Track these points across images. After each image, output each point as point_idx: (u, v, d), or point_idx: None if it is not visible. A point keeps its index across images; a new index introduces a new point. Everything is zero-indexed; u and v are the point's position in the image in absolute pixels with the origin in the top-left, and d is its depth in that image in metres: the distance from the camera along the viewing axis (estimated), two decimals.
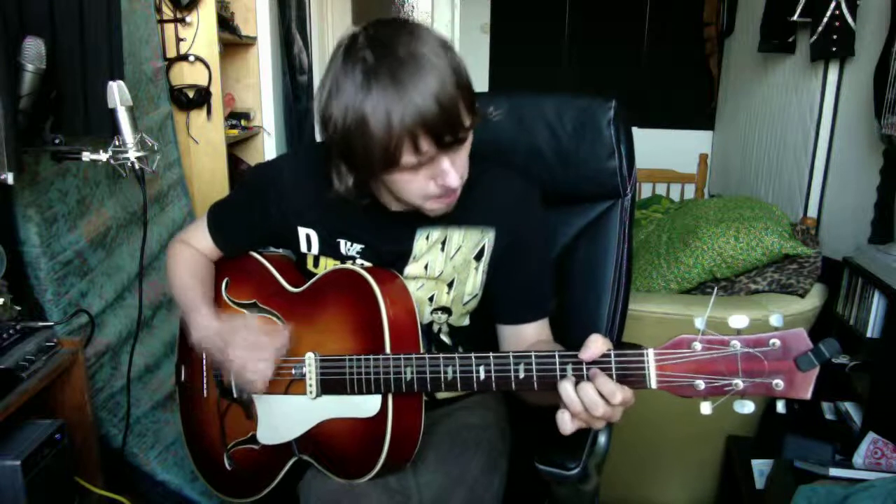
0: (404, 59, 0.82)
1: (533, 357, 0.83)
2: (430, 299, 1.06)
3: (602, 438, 1.12)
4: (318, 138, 0.96)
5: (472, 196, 1.01)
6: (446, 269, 1.05)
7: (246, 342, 0.98)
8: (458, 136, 0.87)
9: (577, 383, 0.80)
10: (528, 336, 1.05)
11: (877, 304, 1.51)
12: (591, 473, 1.04)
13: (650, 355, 0.76)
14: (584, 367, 0.80)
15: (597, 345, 0.79)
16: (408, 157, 0.86)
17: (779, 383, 0.72)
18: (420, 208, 0.96)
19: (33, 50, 1.18)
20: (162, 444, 1.63)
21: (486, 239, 1.04)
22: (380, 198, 1.01)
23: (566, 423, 0.80)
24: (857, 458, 1.44)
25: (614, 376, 0.78)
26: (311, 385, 0.99)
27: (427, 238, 1.04)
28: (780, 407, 0.73)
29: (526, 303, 1.06)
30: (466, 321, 1.10)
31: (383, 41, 0.84)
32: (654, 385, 0.76)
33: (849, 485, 1.31)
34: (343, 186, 0.94)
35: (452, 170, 0.89)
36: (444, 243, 1.04)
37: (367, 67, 0.82)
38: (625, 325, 1.24)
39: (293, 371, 1.00)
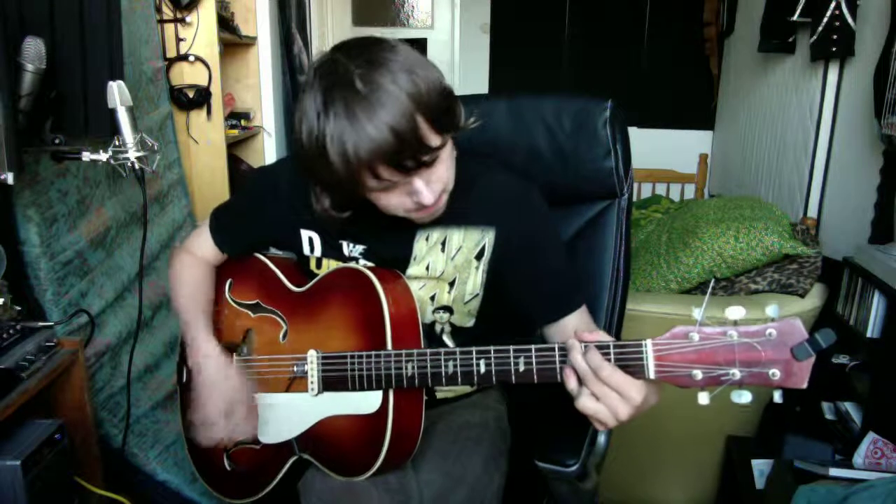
0: (359, 91, 0.81)
1: (533, 350, 0.84)
2: (432, 299, 1.06)
3: (602, 438, 1.12)
4: None
5: (471, 196, 1.01)
6: (447, 268, 1.05)
7: (215, 409, 1.03)
8: (422, 161, 0.86)
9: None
10: (571, 329, 1.01)
11: (877, 304, 1.51)
12: (590, 472, 1.04)
13: (648, 345, 0.77)
14: (584, 347, 0.81)
15: (601, 332, 0.81)
16: (371, 183, 0.86)
17: (775, 373, 0.72)
18: (406, 217, 0.96)
19: (33, 50, 1.18)
20: (162, 444, 1.63)
21: (487, 238, 1.04)
22: None
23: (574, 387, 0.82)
24: (857, 458, 1.44)
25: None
26: (312, 382, 0.99)
27: (427, 239, 1.04)
28: (777, 397, 0.74)
29: (554, 298, 1.04)
30: (471, 322, 1.10)
31: (341, 71, 0.83)
32: (652, 375, 0.77)
33: (849, 485, 1.31)
34: (320, 207, 0.96)
35: (424, 189, 0.89)
36: (444, 244, 1.04)
37: (325, 97, 0.83)
38: (623, 324, 1.25)
39: (294, 369, 1.01)
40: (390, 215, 0.98)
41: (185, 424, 1.18)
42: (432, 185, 0.90)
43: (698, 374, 0.75)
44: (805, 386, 0.72)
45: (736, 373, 0.73)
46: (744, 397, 0.74)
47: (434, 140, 0.86)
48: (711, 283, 0.82)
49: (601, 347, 0.79)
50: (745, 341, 0.73)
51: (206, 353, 1.06)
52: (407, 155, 0.83)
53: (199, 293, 1.13)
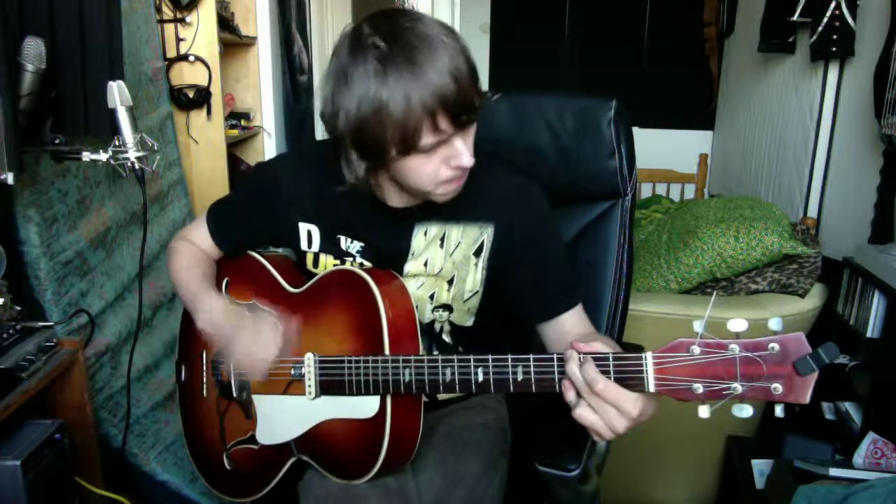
0: (415, 43, 0.83)
1: (531, 360, 0.83)
2: (431, 297, 1.06)
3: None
4: (319, 136, 0.96)
5: (471, 192, 1.01)
6: (446, 265, 1.05)
7: (251, 330, 0.99)
8: (471, 116, 0.88)
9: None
10: (568, 327, 1.02)
11: (877, 304, 1.51)
12: (591, 474, 1.04)
13: (648, 358, 0.76)
14: (580, 359, 0.80)
15: (599, 344, 0.79)
16: (427, 139, 0.86)
17: (777, 387, 0.71)
18: (429, 194, 0.95)
19: (33, 50, 1.17)
20: (162, 444, 1.63)
21: (485, 234, 1.04)
22: (380, 193, 1.01)
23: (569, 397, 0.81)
24: (857, 458, 1.44)
25: (612, 378, 0.78)
26: (309, 386, 0.99)
27: (425, 234, 1.04)
28: (779, 411, 0.73)
29: (553, 297, 1.04)
30: (470, 321, 1.09)
31: (391, 29, 0.85)
32: (652, 388, 0.76)
33: (849, 485, 1.31)
34: (354, 176, 0.94)
35: (465, 150, 0.90)
36: (442, 239, 1.04)
37: (380, 55, 0.83)
38: (625, 324, 1.25)
39: (292, 371, 1.00)
40: (392, 209, 0.99)
41: (184, 419, 1.19)
42: (469, 148, 0.91)
43: (699, 388, 0.74)
44: (807, 401, 0.71)
45: (737, 387, 0.72)
46: (745, 411, 0.73)
47: (477, 99, 0.88)
48: (713, 298, 0.81)
49: (600, 359, 0.78)
50: (747, 355, 0.72)
51: (217, 306, 1.05)
52: (463, 106, 0.85)
53: (198, 271, 1.13)
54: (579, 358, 0.80)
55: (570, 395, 0.81)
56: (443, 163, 0.91)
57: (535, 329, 1.06)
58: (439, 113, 0.84)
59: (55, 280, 1.41)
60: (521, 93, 1.28)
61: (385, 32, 0.85)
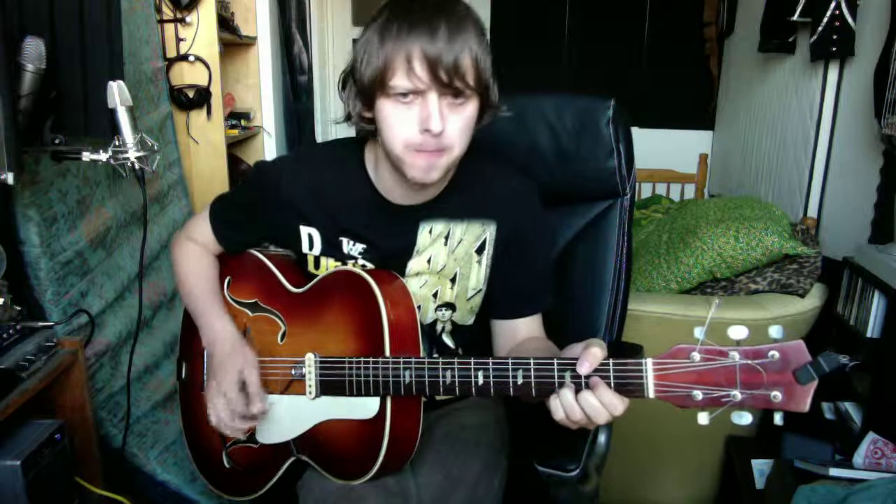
0: (429, 3, 0.86)
1: (532, 364, 0.83)
2: (434, 296, 1.06)
3: (602, 439, 1.12)
4: (319, 137, 0.97)
5: (473, 190, 1.02)
6: (449, 262, 1.05)
7: (225, 393, 1.03)
8: (454, 84, 0.86)
9: (577, 391, 0.79)
10: (520, 331, 1.06)
11: (877, 304, 1.51)
12: (590, 474, 1.04)
13: (648, 365, 0.76)
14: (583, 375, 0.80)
15: (594, 357, 0.78)
16: (400, 80, 0.86)
17: (777, 395, 0.71)
18: (403, 165, 0.93)
19: (33, 50, 1.18)
20: (162, 444, 1.63)
21: (488, 232, 1.05)
22: (382, 187, 1.01)
23: (559, 414, 0.81)
24: (857, 458, 1.44)
25: (612, 385, 0.78)
26: (310, 386, 0.99)
27: (430, 232, 1.05)
28: (778, 419, 0.73)
29: (523, 298, 1.07)
30: (471, 320, 1.10)
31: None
32: (651, 395, 0.76)
33: (849, 485, 1.31)
34: (353, 110, 0.96)
35: (437, 114, 0.87)
36: (447, 238, 1.05)
37: (392, 9, 0.88)
38: (624, 324, 1.25)
39: (292, 371, 1.01)
40: (396, 207, 0.99)
41: (184, 417, 1.18)
42: (447, 120, 0.88)
43: (699, 395, 0.74)
44: (807, 409, 0.71)
45: (737, 394, 0.72)
46: (744, 418, 0.73)
47: (470, 77, 0.87)
48: (714, 306, 0.81)
49: (601, 366, 0.78)
50: (748, 363, 0.72)
51: (221, 332, 1.07)
52: (446, 64, 0.84)
53: (207, 280, 1.14)
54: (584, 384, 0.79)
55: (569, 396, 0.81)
56: (416, 123, 0.89)
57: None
58: (415, 57, 0.84)
59: (55, 280, 1.41)
60: (521, 92, 1.28)
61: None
